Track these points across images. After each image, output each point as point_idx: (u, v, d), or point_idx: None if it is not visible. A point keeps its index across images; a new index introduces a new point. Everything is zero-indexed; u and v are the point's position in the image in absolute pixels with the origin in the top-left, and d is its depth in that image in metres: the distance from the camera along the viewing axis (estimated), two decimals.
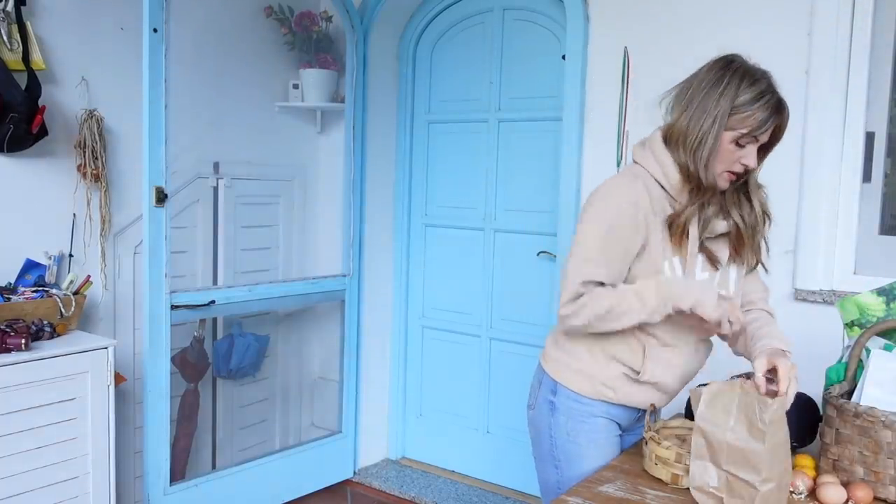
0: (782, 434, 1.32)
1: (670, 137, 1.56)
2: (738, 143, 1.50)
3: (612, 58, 2.69)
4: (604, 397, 1.65)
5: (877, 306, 1.66)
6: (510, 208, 3.29)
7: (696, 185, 1.52)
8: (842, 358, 1.68)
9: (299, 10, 3.35)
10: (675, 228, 1.53)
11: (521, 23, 3.19)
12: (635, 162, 1.62)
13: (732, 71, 1.50)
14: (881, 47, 2.26)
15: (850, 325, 1.69)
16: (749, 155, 1.52)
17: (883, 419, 1.42)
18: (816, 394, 1.70)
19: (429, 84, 3.50)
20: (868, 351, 1.59)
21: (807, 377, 1.79)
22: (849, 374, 1.60)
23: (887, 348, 1.59)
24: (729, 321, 1.51)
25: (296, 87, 3.43)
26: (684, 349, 1.64)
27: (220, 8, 3.17)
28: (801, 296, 2.31)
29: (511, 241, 3.29)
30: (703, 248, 1.57)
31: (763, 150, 1.56)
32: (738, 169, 1.53)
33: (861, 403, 1.48)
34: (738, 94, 1.48)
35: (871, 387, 1.52)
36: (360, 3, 3.34)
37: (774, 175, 2.33)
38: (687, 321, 1.57)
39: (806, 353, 1.99)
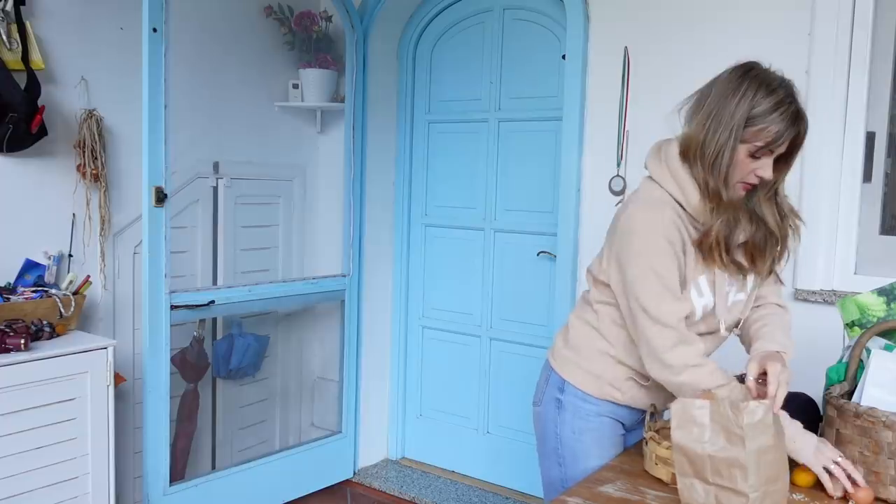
0: (767, 438, 1.29)
1: (688, 150, 1.50)
2: (754, 156, 1.46)
3: (612, 58, 2.69)
4: (610, 398, 1.66)
5: (877, 306, 1.66)
6: (510, 208, 3.29)
7: (718, 202, 1.47)
8: (842, 358, 1.67)
9: (299, 10, 3.35)
10: (706, 249, 1.49)
11: (521, 23, 3.19)
12: (652, 179, 1.57)
13: (750, 79, 1.45)
14: (881, 47, 2.26)
15: (850, 326, 1.69)
16: (765, 167, 1.47)
17: (883, 419, 1.41)
18: (817, 394, 1.70)
19: (429, 84, 3.50)
20: (868, 351, 1.59)
21: (807, 377, 1.79)
22: (849, 374, 1.59)
23: (888, 348, 1.59)
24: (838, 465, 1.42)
25: (296, 86, 3.43)
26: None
27: (220, 8, 3.17)
28: (802, 296, 2.31)
29: (511, 241, 3.29)
30: (731, 260, 1.54)
31: (783, 160, 1.51)
32: (753, 180, 1.49)
33: (861, 404, 1.48)
34: (753, 105, 1.42)
35: (872, 387, 1.52)
36: (360, 3, 3.34)
37: None
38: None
39: (806, 353, 1.99)
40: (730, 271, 1.55)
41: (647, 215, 1.51)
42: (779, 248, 1.59)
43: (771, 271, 1.63)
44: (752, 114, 1.43)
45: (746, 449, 1.27)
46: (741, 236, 1.53)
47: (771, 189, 1.55)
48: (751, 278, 1.62)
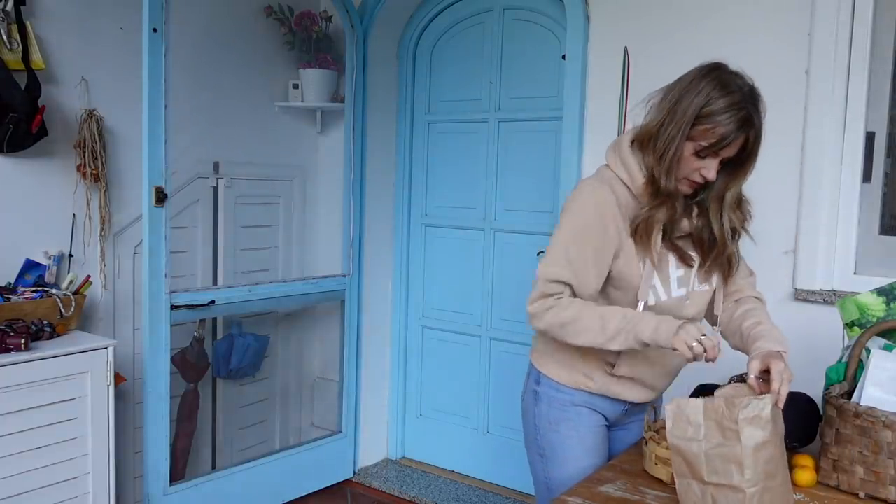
0: (764, 433, 1.29)
1: (642, 139, 1.55)
2: (699, 155, 1.48)
3: (612, 58, 2.69)
4: (583, 387, 1.68)
5: (877, 306, 1.66)
6: (510, 208, 3.29)
7: (656, 190, 1.52)
8: (842, 358, 1.68)
9: (299, 10, 3.35)
10: (638, 231, 1.54)
11: (521, 23, 3.19)
12: (606, 165, 1.63)
13: (710, 79, 1.46)
14: (881, 47, 2.26)
15: (850, 325, 1.69)
16: (709, 167, 1.49)
17: (883, 419, 1.42)
18: (816, 394, 1.70)
19: (429, 84, 3.50)
20: (868, 351, 1.59)
21: (807, 377, 1.79)
22: (849, 374, 1.60)
23: (887, 348, 1.59)
24: (700, 344, 1.45)
25: (296, 87, 3.43)
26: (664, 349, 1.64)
27: (220, 8, 3.17)
28: (801, 296, 2.31)
29: (511, 241, 3.29)
30: (674, 247, 1.58)
31: (737, 168, 1.53)
32: (698, 179, 1.52)
33: (861, 403, 1.48)
34: (705, 105, 1.44)
35: (871, 387, 1.52)
36: (360, 3, 3.34)
37: (775, 175, 2.34)
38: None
39: (806, 353, 1.99)
40: (673, 255, 1.58)
41: (591, 186, 1.59)
42: (718, 252, 1.60)
43: (728, 272, 1.65)
44: (703, 112, 1.45)
45: (742, 443, 1.27)
46: (685, 227, 1.57)
47: (718, 193, 1.56)
48: (714, 274, 1.65)
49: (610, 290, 1.62)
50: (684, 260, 1.60)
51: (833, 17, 2.25)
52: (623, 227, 1.55)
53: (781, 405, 1.36)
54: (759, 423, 1.29)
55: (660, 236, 1.54)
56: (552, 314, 1.56)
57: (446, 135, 3.47)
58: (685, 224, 1.57)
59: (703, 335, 1.46)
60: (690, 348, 1.45)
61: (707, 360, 1.46)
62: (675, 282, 1.60)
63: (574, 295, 1.59)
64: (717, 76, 1.47)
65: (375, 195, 3.47)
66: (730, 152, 1.49)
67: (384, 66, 3.45)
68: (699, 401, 1.34)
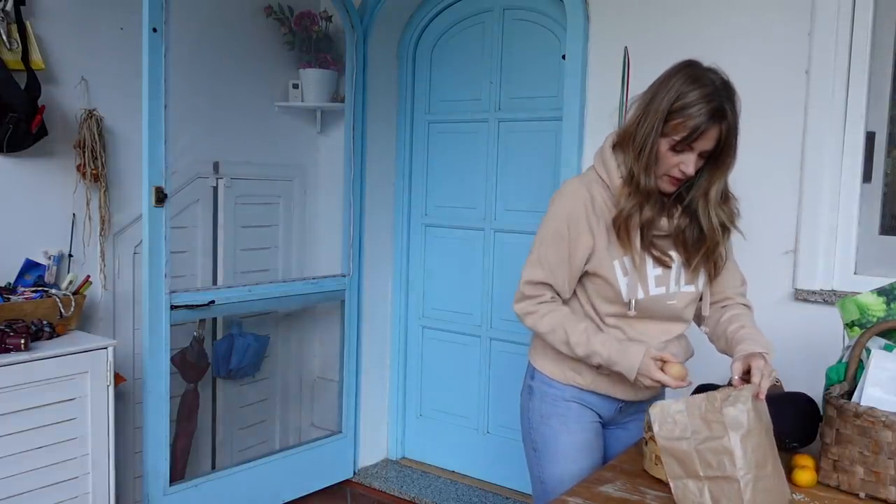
0: (749, 421, 1.31)
1: (622, 140, 1.57)
2: (675, 150, 1.49)
3: (612, 58, 2.69)
4: (573, 382, 1.70)
5: (877, 306, 1.66)
6: (510, 208, 3.29)
7: (635, 189, 1.53)
8: (842, 358, 1.68)
9: (299, 10, 3.35)
10: (619, 230, 1.56)
11: (521, 23, 3.19)
12: (593, 165, 1.66)
13: (680, 75, 1.48)
14: (881, 47, 2.26)
15: (850, 326, 1.69)
16: (686, 162, 1.50)
17: (883, 419, 1.42)
18: (816, 394, 1.70)
19: (429, 84, 3.50)
20: (868, 351, 1.59)
21: (807, 377, 1.79)
22: (849, 374, 1.60)
23: (887, 348, 1.59)
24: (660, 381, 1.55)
25: (296, 86, 3.43)
26: (651, 344, 1.65)
27: (220, 8, 3.17)
28: (801, 296, 2.31)
29: (511, 241, 3.29)
30: (652, 245, 1.59)
31: (714, 163, 1.53)
32: (678, 174, 1.52)
33: (861, 404, 1.48)
34: (676, 99, 1.46)
35: (872, 387, 1.52)
36: (360, 3, 3.34)
37: (775, 175, 2.34)
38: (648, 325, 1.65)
39: (806, 353, 1.99)
40: (649, 255, 1.60)
41: (570, 188, 1.64)
42: (708, 249, 1.61)
43: (714, 272, 1.66)
44: (674, 107, 1.46)
45: (729, 433, 1.30)
46: (664, 227, 1.58)
47: (703, 190, 1.56)
48: (701, 275, 1.65)
49: (588, 284, 1.65)
50: (661, 260, 1.61)
51: (833, 17, 2.25)
52: (597, 228, 1.58)
53: (762, 397, 1.39)
54: (741, 413, 1.31)
55: (638, 235, 1.56)
56: (531, 320, 1.69)
57: (446, 135, 3.47)
58: (664, 223, 1.58)
59: (663, 362, 1.55)
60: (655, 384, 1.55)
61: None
62: (651, 280, 1.61)
63: (556, 292, 1.65)
64: (689, 72, 1.48)
65: (375, 195, 3.47)
66: (705, 145, 1.49)
67: (384, 66, 3.45)
68: (681, 400, 1.37)
